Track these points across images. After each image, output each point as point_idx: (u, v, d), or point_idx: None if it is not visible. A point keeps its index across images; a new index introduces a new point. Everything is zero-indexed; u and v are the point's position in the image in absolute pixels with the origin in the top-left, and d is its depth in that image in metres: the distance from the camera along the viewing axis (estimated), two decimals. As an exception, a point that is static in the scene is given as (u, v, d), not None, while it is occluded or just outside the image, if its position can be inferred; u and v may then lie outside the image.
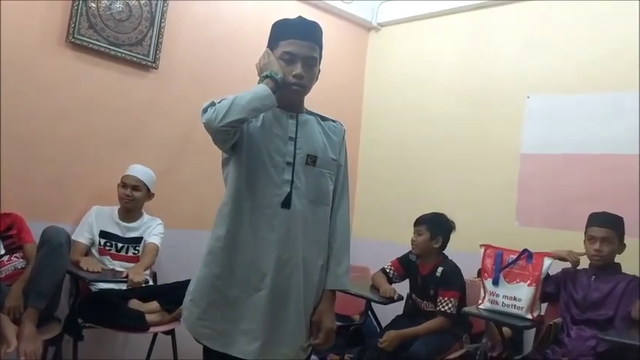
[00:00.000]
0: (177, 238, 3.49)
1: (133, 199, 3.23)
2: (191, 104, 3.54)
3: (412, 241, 3.24)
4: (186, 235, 3.52)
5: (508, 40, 3.95)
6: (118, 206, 3.28)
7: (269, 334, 1.78)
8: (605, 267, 2.82)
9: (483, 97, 4.01)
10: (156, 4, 3.48)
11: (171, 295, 2.94)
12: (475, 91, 4.06)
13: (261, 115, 1.82)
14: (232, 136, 1.75)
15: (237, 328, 1.78)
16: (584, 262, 2.90)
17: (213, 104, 1.72)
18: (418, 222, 3.26)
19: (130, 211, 3.28)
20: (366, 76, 4.76)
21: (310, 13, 4.00)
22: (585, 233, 2.89)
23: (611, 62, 3.45)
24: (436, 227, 3.20)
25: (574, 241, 2.94)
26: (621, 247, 2.83)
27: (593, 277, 2.84)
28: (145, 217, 3.35)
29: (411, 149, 4.36)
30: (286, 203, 1.80)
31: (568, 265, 2.93)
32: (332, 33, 4.38)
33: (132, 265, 3.17)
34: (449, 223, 3.25)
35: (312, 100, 1.99)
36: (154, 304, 2.99)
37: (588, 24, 3.57)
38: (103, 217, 3.24)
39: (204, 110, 1.73)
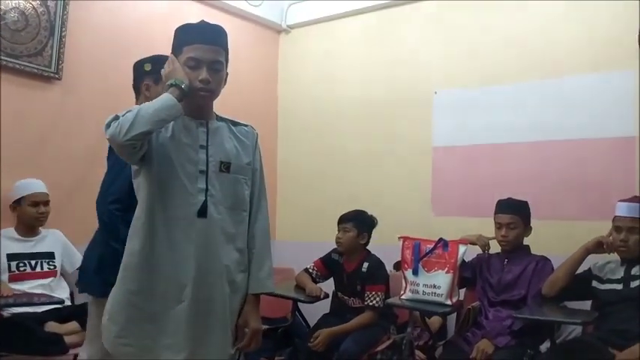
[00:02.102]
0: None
1: (46, 215, 3.12)
2: (99, 115, 3.34)
3: (338, 239, 3.25)
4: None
5: (414, 37, 4.08)
6: (9, 227, 3.12)
7: (194, 346, 1.76)
8: (515, 250, 2.97)
9: (394, 93, 4.11)
10: (55, 13, 3.33)
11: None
12: (385, 88, 4.16)
13: (170, 124, 1.78)
14: (139, 150, 1.70)
15: (160, 343, 1.74)
16: (498, 247, 3.05)
17: (116, 118, 1.67)
18: (343, 220, 3.28)
19: (31, 228, 3.14)
20: (279, 78, 4.77)
21: (219, 17, 3.98)
22: (494, 220, 3.03)
23: (513, 56, 3.63)
24: (362, 224, 3.25)
25: (486, 227, 3.08)
26: (527, 230, 2.99)
27: (506, 260, 2.99)
28: (41, 230, 3.21)
29: (327, 148, 4.41)
30: (202, 212, 1.78)
31: (480, 249, 3.07)
32: (242, 36, 4.37)
33: (51, 280, 3.05)
34: (372, 219, 3.31)
35: (226, 105, 1.98)
36: (73, 325, 2.86)
37: (489, 19, 3.75)
38: (3, 241, 3.07)
39: (108, 125, 1.67)
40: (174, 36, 1.85)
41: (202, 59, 1.77)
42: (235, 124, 1.96)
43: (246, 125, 1.98)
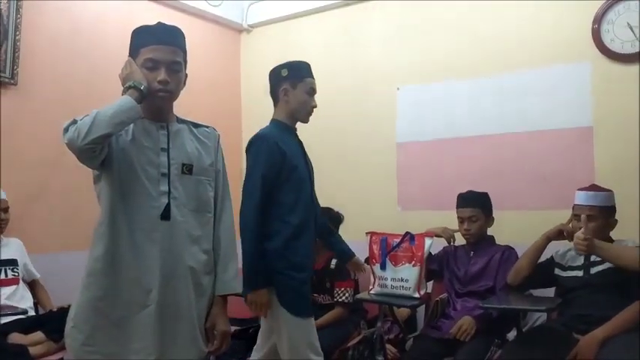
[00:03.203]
0: (48, 263, 3.30)
1: (7, 222, 3.07)
2: (57, 121, 3.31)
3: None
4: (61, 259, 3.33)
5: (375, 34, 4.11)
6: None
7: (163, 349, 1.75)
8: (480, 241, 3.02)
9: (356, 91, 4.14)
10: (7, 16, 3.24)
11: (55, 323, 2.76)
12: (348, 86, 4.18)
13: (130, 127, 1.77)
14: (99, 154, 1.68)
15: (127, 349, 1.73)
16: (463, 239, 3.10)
17: (74, 122, 1.65)
18: None
19: None
20: (241, 78, 4.75)
21: (178, 18, 3.94)
22: (456, 213, 3.08)
23: (472, 51, 3.69)
24: (331, 222, 3.27)
25: (452, 219, 3.11)
26: (490, 221, 3.04)
27: (472, 252, 3.04)
28: (2, 237, 3.13)
29: (293, 147, 4.41)
30: (165, 215, 1.78)
31: (445, 242, 3.11)
32: (203, 37, 4.34)
33: (14, 288, 3.00)
34: (339, 215, 3.33)
35: (188, 107, 1.96)
36: (38, 335, 2.81)
37: (447, 15, 3.79)
38: None
39: (66, 129, 1.65)
40: (131, 38, 1.84)
41: (160, 60, 1.77)
42: (196, 125, 1.95)
43: (207, 127, 1.98)
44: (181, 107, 1.94)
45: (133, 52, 1.80)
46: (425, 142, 3.83)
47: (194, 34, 4.22)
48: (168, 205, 1.78)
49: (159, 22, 1.84)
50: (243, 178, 2.44)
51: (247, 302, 2.34)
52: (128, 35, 1.85)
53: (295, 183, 2.44)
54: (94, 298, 1.73)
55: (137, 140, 1.78)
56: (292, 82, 2.48)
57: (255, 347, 2.66)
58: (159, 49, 1.77)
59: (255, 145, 2.42)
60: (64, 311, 2.60)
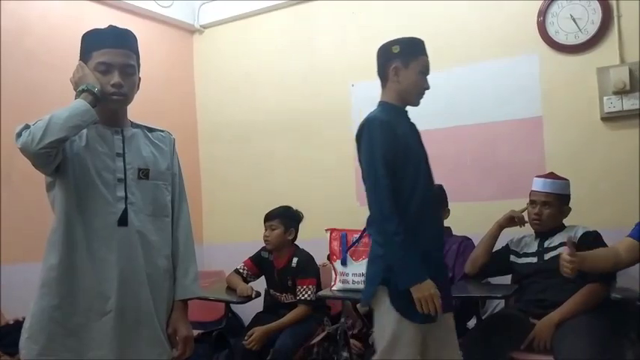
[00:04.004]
0: (2, 276, 3.20)
1: None
2: (7, 128, 3.25)
3: (265, 237, 3.25)
4: (15, 271, 3.22)
5: (328, 32, 4.12)
6: None
7: (122, 357, 1.72)
8: (438, 233, 3.07)
9: (312, 88, 4.15)
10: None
11: (11, 337, 2.71)
12: (303, 83, 4.19)
13: (84, 133, 1.74)
14: (53, 159, 1.65)
15: (85, 358, 1.70)
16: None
17: (27, 127, 1.62)
18: (269, 217, 3.28)
19: None
20: (195, 79, 4.71)
21: (127, 20, 3.88)
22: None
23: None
24: (288, 219, 3.27)
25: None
26: (445, 212, 3.09)
27: (430, 243, 3.08)
28: None
29: (249, 147, 4.40)
30: (123, 221, 1.76)
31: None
32: (154, 39, 4.28)
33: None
34: (297, 213, 3.34)
35: (142, 110, 1.94)
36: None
37: (400, 10, 3.83)
38: None
39: (19, 134, 1.62)
40: (82, 41, 1.81)
41: (113, 63, 1.75)
42: (151, 129, 1.93)
43: (162, 131, 1.97)
44: (135, 111, 1.92)
45: (85, 55, 1.78)
46: (380, 137, 3.86)
47: (145, 36, 4.11)
48: (126, 210, 1.77)
49: (110, 25, 1.82)
50: (363, 168, 2.15)
51: (416, 300, 1.99)
52: (76, 38, 1.82)
53: (413, 170, 2.15)
54: (49, 308, 1.70)
55: (91, 146, 1.76)
56: (404, 60, 2.20)
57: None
58: (111, 53, 1.75)
59: (368, 129, 2.14)
60: (19, 324, 2.55)
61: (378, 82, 3.77)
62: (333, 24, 4.11)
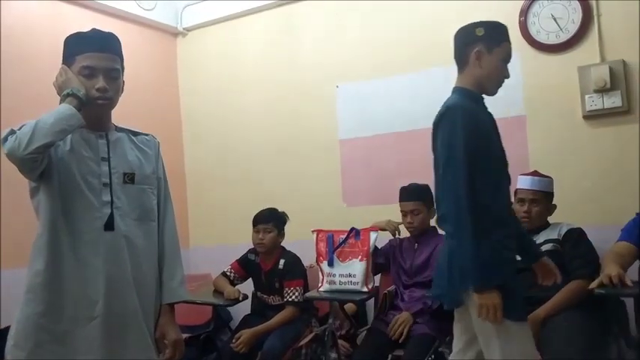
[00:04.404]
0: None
1: None
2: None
3: (260, 240, 3.22)
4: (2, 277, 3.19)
5: (312, 33, 4.13)
6: None
7: None
8: (424, 233, 3.09)
9: (297, 90, 4.15)
10: None
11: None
12: (288, 86, 4.19)
13: (69, 137, 1.74)
14: (40, 164, 1.65)
15: None
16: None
17: (13, 132, 1.62)
18: (263, 220, 3.25)
19: None
20: (180, 82, 4.69)
21: (109, 23, 3.85)
22: (400, 207, 3.13)
23: (407, 46, 3.76)
24: (279, 222, 3.28)
25: (397, 212, 3.17)
26: (432, 212, 3.09)
27: (416, 244, 3.10)
28: None
29: (235, 149, 4.39)
30: (109, 225, 1.75)
31: (391, 235, 3.17)
32: (137, 42, 4.25)
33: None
34: (285, 215, 3.34)
35: (126, 114, 1.93)
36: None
37: (384, 12, 3.85)
38: None
39: (5, 139, 1.61)
40: (65, 45, 1.80)
41: (98, 67, 1.75)
42: (135, 133, 1.93)
43: (146, 135, 1.97)
44: (120, 114, 1.91)
45: (68, 59, 1.77)
46: (366, 137, 3.88)
47: (128, 40, 4.06)
48: (112, 215, 1.76)
49: (93, 29, 1.82)
50: (438, 159, 2.01)
51: (478, 306, 1.87)
52: (58, 41, 1.81)
53: (495, 163, 2.00)
54: (35, 314, 1.68)
55: (76, 150, 1.76)
56: (489, 44, 2.03)
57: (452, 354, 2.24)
58: (96, 57, 1.75)
59: (449, 116, 1.98)
60: (5, 331, 2.52)
61: (363, 82, 3.88)
62: (317, 25, 4.11)
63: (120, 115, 1.91)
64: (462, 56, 2.08)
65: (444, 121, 1.99)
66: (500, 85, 2.11)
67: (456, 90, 2.10)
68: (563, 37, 3.31)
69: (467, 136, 1.91)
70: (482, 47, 2.02)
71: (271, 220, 3.25)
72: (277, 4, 4.23)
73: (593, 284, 2.27)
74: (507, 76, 2.10)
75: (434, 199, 2.48)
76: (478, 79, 2.06)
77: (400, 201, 3.10)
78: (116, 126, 1.89)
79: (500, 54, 2.05)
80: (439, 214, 2.03)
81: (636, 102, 3.12)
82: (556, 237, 2.73)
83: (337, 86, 4.00)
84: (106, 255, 1.73)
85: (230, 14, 4.42)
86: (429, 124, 3.59)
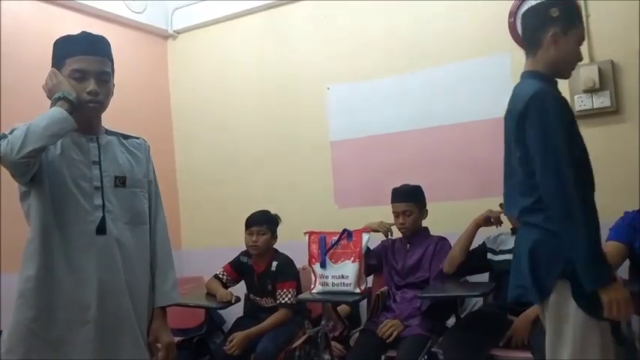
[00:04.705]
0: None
1: None
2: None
3: (254, 242, 3.21)
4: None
5: (303, 35, 4.13)
6: None
7: None
8: (416, 234, 3.10)
9: (288, 92, 4.15)
10: None
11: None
12: (279, 88, 4.19)
13: (59, 141, 1.72)
14: (32, 167, 1.64)
15: None
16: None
17: (4, 136, 1.61)
18: (256, 222, 3.24)
19: None
20: (170, 85, 4.67)
21: (99, 26, 3.84)
22: (392, 208, 3.14)
23: (397, 48, 3.77)
24: (272, 224, 3.28)
25: (389, 214, 3.18)
26: (424, 213, 3.12)
27: (408, 245, 3.11)
28: None
29: (227, 151, 4.39)
30: (101, 229, 1.75)
31: (383, 236, 3.18)
32: (127, 44, 4.24)
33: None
34: (278, 218, 3.34)
35: (117, 117, 1.93)
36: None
37: (373, 14, 3.86)
38: None
39: None
40: (55, 48, 1.79)
41: (89, 70, 1.74)
42: (126, 137, 1.93)
43: (137, 138, 1.96)
44: (110, 118, 1.91)
45: (58, 62, 1.76)
46: (357, 139, 3.88)
47: (118, 42, 4.05)
48: (104, 218, 1.76)
49: (83, 32, 1.81)
50: (531, 148, 1.84)
51: (605, 304, 1.73)
52: (47, 44, 1.80)
53: (583, 152, 1.88)
54: (27, 320, 1.67)
55: (67, 154, 1.75)
56: (565, 26, 1.89)
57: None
58: (87, 60, 1.74)
59: (538, 102, 1.82)
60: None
61: (354, 84, 3.89)
62: (307, 28, 4.12)
63: (110, 118, 1.91)
64: (534, 38, 1.95)
65: (534, 109, 1.82)
66: (574, 68, 2.01)
67: (530, 74, 1.96)
68: (552, 37, 3.32)
69: (562, 122, 1.80)
70: (557, 29, 1.89)
71: (265, 222, 3.25)
72: (268, 6, 4.23)
73: None
74: (581, 59, 1.99)
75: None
76: (554, 62, 1.93)
77: (392, 202, 3.11)
78: (106, 129, 1.88)
79: (575, 35, 1.93)
80: (524, 205, 1.90)
81: (625, 102, 3.15)
82: (547, 236, 2.73)
83: (328, 88, 4.00)
84: (98, 259, 1.73)
85: (220, 16, 4.42)
86: (419, 125, 3.69)
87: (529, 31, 1.98)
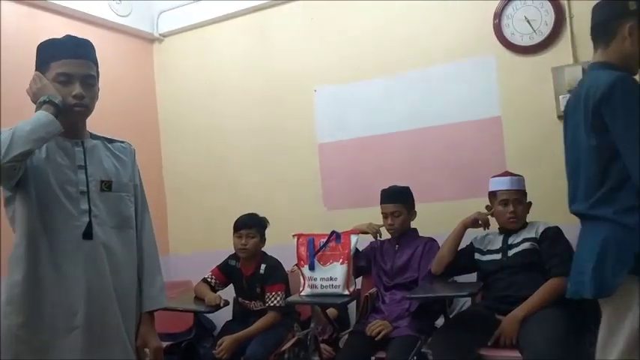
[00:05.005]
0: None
1: None
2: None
3: (243, 245, 3.21)
4: None
5: (290, 37, 4.13)
6: None
7: None
8: (404, 235, 3.11)
9: (275, 94, 4.15)
10: None
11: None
12: (267, 90, 4.18)
13: (44, 146, 1.71)
14: (18, 172, 1.63)
15: None
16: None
17: None
18: (245, 226, 3.24)
19: None
20: (157, 88, 4.65)
21: (84, 30, 3.81)
22: (381, 209, 3.15)
23: (383, 50, 3.78)
24: (261, 227, 3.28)
25: (377, 215, 3.18)
26: (412, 214, 3.13)
27: (397, 246, 3.12)
28: None
29: (214, 154, 4.37)
30: (88, 234, 1.74)
31: (372, 238, 3.19)
32: (112, 48, 4.21)
33: None
34: (266, 220, 3.33)
35: (103, 121, 1.91)
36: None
37: (359, 17, 3.87)
38: None
39: None
40: (39, 52, 1.78)
41: (74, 74, 1.73)
42: (111, 141, 1.92)
43: (122, 142, 1.95)
44: (96, 122, 1.89)
45: (42, 66, 1.75)
46: (345, 141, 3.89)
47: (103, 46, 4.03)
48: (90, 223, 1.74)
49: (68, 35, 1.80)
50: (626, 135, 1.78)
51: None
52: (31, 48, 1.79)
53: None
54: (13, 326, 1.66)
55: (52, 158, 1.73)
56: None
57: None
58: (72, 63, 1.73)
59: (621, 87, 1.77)
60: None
61: (341, 86, 3.89)
62: (294, 29, 4.12)
63: (97, 122, 1.90)
64: (607, 30, 1.90)
65: (618, 93, 1.77)
66: None
67: (602, 65, 1.91)
68: (537, 38, 3.35)
69: None
70: (634, 22, 1.84)
71: (253, 225, 3.24)
72: (254, 8, 4.23)
73: None
74: None
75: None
76: (626, 55, 1.88)
77: (381, 203, 3.12)
78: (91, 133, 1.87)
79: None
80: (594, 198, 1.86)
81: (609, 102, 3.18)
82: (534, 236, 2.77)
83: (315, 90, 4.01)
84: (85, 264, 1.71)
85: (206, 19, 4.41)
86: (406, 126, 3.70)
87: (603, 22, 1.92)
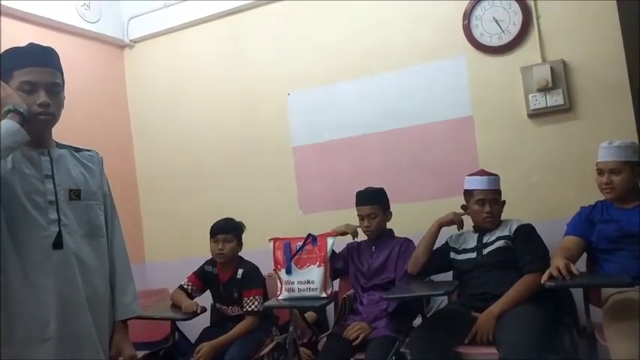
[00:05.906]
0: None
1: None
2: None
3: (219, 250, 3.19)
4: None
5: (262, 42, 4.11)
6: None
7: None
8: (380, 236, 3.12)
9: (249, 98, 4.13)
10: None
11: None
12: (240, 95, 4.16)
13: (10, 156, 1.68)
14: None
15: None
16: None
17: None
18: (222, 231, 3.22)
19: None
20: (129, 95, 4.60)
21: (52, 37, 3.77)
22: (356, 211, 3.16)
23: (356, 53, 3.79)
24: (238, 232, 3.26)
25: (353, 217, 3.20)
26: (388, 215, 3.14)
27: (373, 247, 3.13)
28: None
29: (189, 160, 4.34)
30: (58, 243, 1.71)
31: (351, 239, 3.20)
32: (83, 55, 4.16)
33: None
34: (240, 225, 3.32)
35: (75, 129, 1.89)
36: None
37: (331, 21, 3.88)
38: None
39: None
40: (1, 61, 1.75)
41: (39, 82, 1.71)
42: (78, 149, 1.90)
43: (89, 150, 1.94)
44: (67, 130, 1.87)
45: (5, 74, 1.72)
46: (319, 144, 3.89)
47: (73, 53, 4.04)
48: (60, 233, 1.72)
49: (31, 43, 1.78)
50: None
51: None
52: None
53: None
54: None
55: (18, 168, 1.71)
56: None
57: None
58: (36, 71, 1.71)
59: None
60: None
61: (314, 89, 3.90)
62: (267, 34, 4.11)
63: (68, 130, 1.88)
64: None
65: None
66: None
67: None
68: (506, 38, 3.40)
69: None
70: None
71: (230, 230, 3.23)
72: (226, 12, 4.21)
73: (544, 277, 2.34)
74: None
75: None
76: None
77: (357, 205, 3.13)
78: (57, 142, 1.85)
79: None
80: None
81: (577, 100, 3.24)
82: (507, 233, 2.80)
83: (288, 93, 4.00)
84: (56, 274, 1.69)
85: (177, 25, 4.37)
86: (379, 128, 3.72)
87: None
